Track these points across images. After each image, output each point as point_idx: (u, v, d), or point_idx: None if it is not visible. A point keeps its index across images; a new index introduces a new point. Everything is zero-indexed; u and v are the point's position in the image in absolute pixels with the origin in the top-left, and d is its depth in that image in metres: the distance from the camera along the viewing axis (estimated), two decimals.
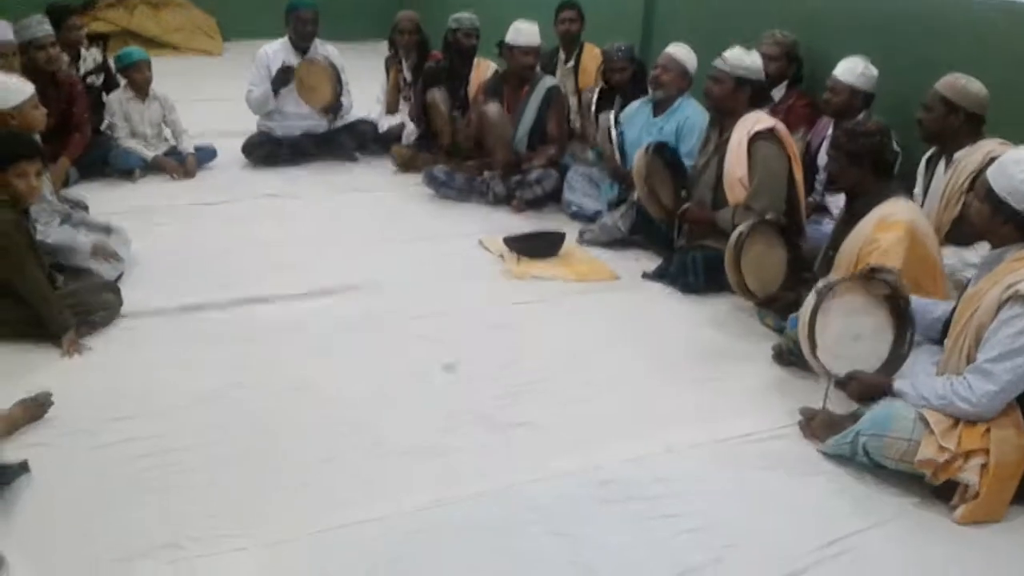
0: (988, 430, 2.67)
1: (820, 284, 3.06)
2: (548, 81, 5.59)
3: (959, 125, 3.86)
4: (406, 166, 6.02)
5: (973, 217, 2.89)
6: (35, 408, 3.03)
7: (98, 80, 5.90)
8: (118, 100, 5.74)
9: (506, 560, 2.50)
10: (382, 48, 6.75)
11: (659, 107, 4.98)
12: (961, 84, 3.86)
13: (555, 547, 2.55)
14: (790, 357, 3.55)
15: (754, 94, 4.26)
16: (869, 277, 3.06)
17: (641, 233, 4.79)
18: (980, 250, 3.53)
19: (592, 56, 6.00)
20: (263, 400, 3.25)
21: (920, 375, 2.93)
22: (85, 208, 4.60)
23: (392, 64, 6.55)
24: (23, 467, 2.74)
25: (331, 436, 3.04)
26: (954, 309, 3.00)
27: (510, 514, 2.68)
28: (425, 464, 2.92)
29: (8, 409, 2.98)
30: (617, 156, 4.88)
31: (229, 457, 2.91)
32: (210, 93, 7.58)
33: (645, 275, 4.49)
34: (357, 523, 2.61)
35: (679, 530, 2.64)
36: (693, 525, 2.66)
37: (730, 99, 4.23)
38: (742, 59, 4.24)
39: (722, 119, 4.31)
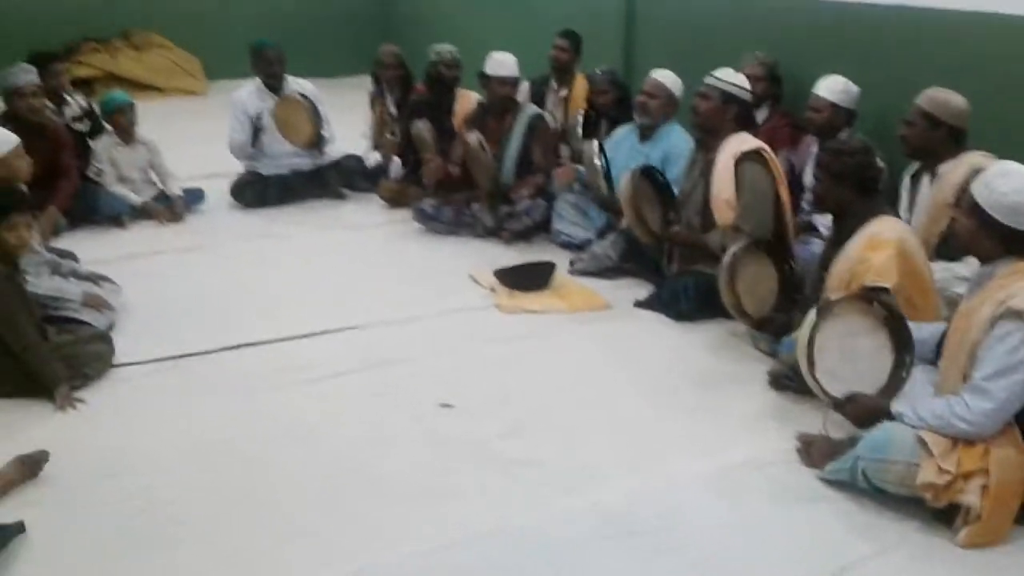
0: (987, 450, 2.66)
1: (820, 302, 3.07)
2: (531, 110, 5.62)
3: (942, 139, 3.88)
4: (395, 201, 6.03)
5: (960, 232, 2.91)
6: (31, 466, 3.00)
7: (84, 126, 5.90)
8: (104, 146, 5.74)
9: None
10: (365, 83, 6.78)
11: (645, 134, 5.02)
12: (942, 98, 3.88)
13: None
14: (785, 382, 3.55)
15: (740, 115, 4.28)
16: (868, 299, 3.07)
17: (632, 261, 4.80)
18: (970, 264, 3.54)
19: (583, 86, 6.02)
20: (259, 447, 3.23)
21: (918, 396, 2.93)
22: (74, 258, 4.58)
23: (376, 99, 6.58)
24: (19, 527, 2.71)
25: (329, 481, 3.03)
26: (947, 328, 3.00)
27: (514, 555, 2.66)
28: (426, 506, 2.90)
29: (3, 468, 2.95)
30: (603, 183, 4.89)
31: (226, 508, 2.89)
32: (196, 134, 7.57)
33: (637, 303, 4.49)
34: (358, 570, 2.59)
35: (683, 564, 2.62)
36: (696, 558, 2.64)
37: (716, 116, 4.25)
38: (731, 77, 4.28)
39: (707, 140, 4.33)
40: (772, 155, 4.25)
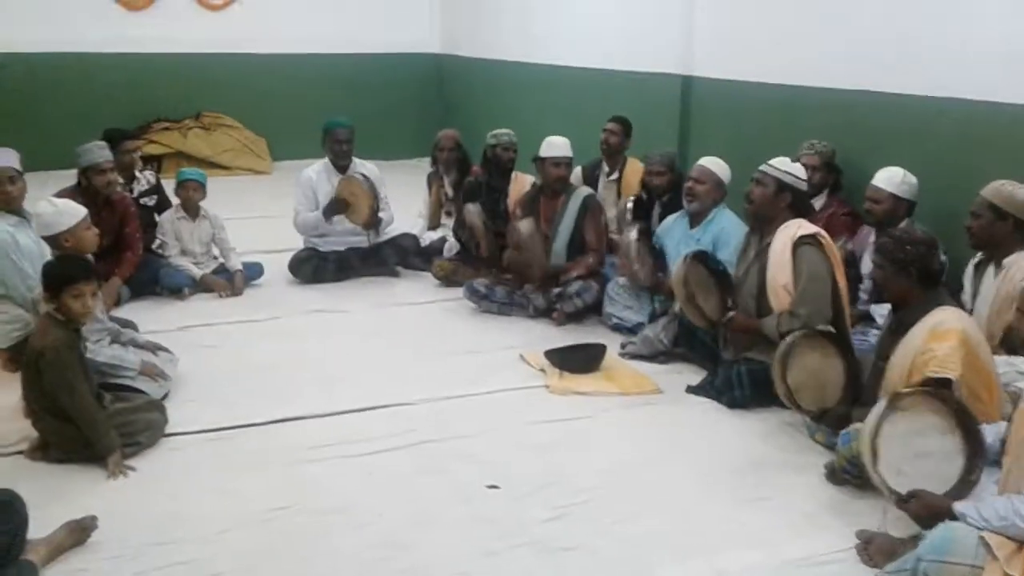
0: None
1: (889, 394, 2.99)
2: (583, 191, 5.67)
3: (1008, 232, 3.85)
4: (447, 279, 6.09)
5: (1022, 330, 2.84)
6: (80, 532, 3.03)
7: (151, 201, 6.11)
8: (170, 219, 5.93)
9: None
10: (425, 165, 6.94)
11: (695, 219, 5.03)
12: (1008, 191, 3.86)
13: None
14: (844, 476, 3.44)
15: (794, 203, 4.27)
16: (943, 397, 2.99)
17: (684, 345, 4.75)
18: None
19: (635, 170, 6.10)
20: (304, 522, 3.22)
21: (982, 495, 2.83)
22: (135, 327, 4.68)
23: (434, 180, 6.73)
24: None
25: (372, 561, 2.99)
26: (1009, 425, 2.90)
27: None
28: None
29: (52, 533, 2.98)
30: (639, 268, 4.84)
31: None
32: (258, 211, 7.81)
33: (689, 388, 4.43)
34: None
35: None
36: None
37: (770, 203, 4.25)
38: (786, 166, 4.29)
39: (761, 225, 4.33)
40: (830, 240, 4.21)
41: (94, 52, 9.72)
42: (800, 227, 4.16)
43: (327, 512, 3.29)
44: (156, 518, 3.21)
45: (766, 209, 4.27)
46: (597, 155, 6.33)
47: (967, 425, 2.97)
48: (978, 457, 2.93)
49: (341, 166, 6.24)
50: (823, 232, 4.22)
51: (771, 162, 4.32)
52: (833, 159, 5.12)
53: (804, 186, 4.33)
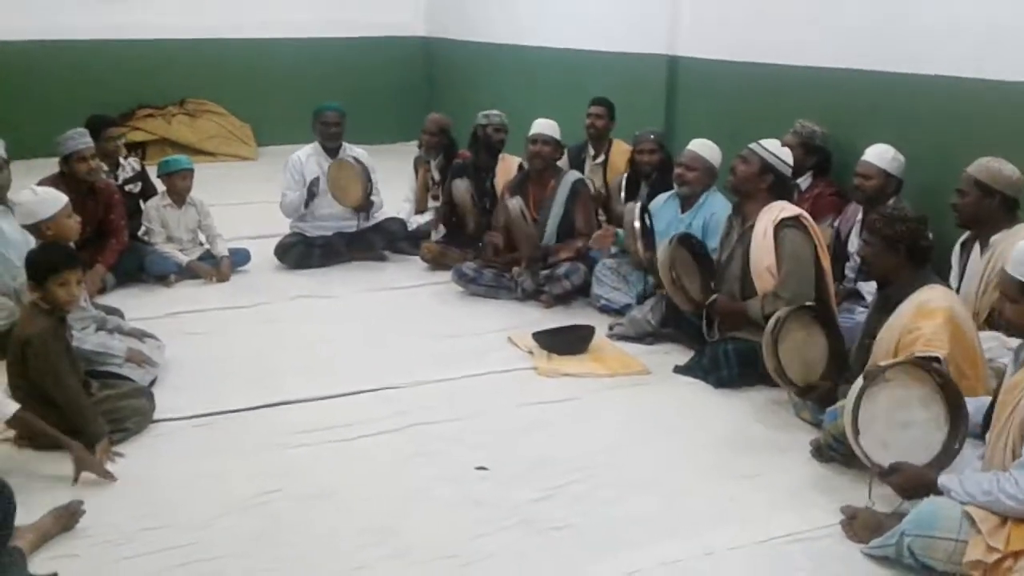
0: None
1: (869, 368, 3.01)
2: (573, 175, 5.67)
3: (995, 209, 3.86)
4: (435, 262, 6.09)
5: (1006, 313, 2.85)
6: (67, 518, 3.02)
7: (136, 188, 6.07)
8: (155, 207, 5.90)
9: None
10: (412, 149, 6.92)
11: (686, 203, 5.03)
12: (995, 167, 3.86)
13: None
14: (829, 452, 3.46)
15: (775, 185, 4.28)
16: (924, 367, 3.00)
17: (671, 326, 4.76)
18: None
19: (620, 152, 6.10)
20: (294, 507, 3.22)
21: (965, 470, 2.85)
22: (121, 315, 4.67)
23: (420, 164, 6.71)
24: None
25: (362, 544, 3.00)
26: (994, 401, 2.93)
27: None
28: (458, 571, 2.86)
29: (39, 519, 2.97)
30: (639, 246, 4.87)
31: (258, 568, 2.87)
32: (244, 197, 7.77)
33: (677, 369, 4.44)
34: None
35: None
36: None
37: (752, 181, 4.26)
38: (774, 148, 4.30)
39: (743, 206, 4.34)
40: (812, 222, 4.23)
41: (77, 39, 9.62)
42: (782, 209, 4.17)
43: (316, 496, 3.29)
44: (144, 504, 3.21)
45: (746, 186, 4.29)
46: (583, 137, 6.32)
47: (949, 394, 2.98)
48: (961, 426, 2.95)
49: (331, 149, 6.21)
50: (805, 214, 4.23)
51: (761, 142, 4.33)
52: (812, 140, 5.11)
53: (788, 171, 4.33)
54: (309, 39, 10.54)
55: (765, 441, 3.74)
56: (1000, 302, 2.89)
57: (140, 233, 5.93)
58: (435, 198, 6.60)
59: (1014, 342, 3.50)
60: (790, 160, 4.34)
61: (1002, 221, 3.86)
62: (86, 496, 3.14)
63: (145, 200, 6.02)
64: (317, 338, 4.88)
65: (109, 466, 3.40)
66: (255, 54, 10.36)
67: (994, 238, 3.85)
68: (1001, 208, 3.86)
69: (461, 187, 5.80)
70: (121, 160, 6.04)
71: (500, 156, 6.17)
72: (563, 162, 6.09)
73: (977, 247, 3.96)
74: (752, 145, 4.32)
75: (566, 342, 4.62)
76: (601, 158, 6.28)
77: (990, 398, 3.02)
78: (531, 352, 4.62)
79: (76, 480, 3.29)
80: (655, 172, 5.56)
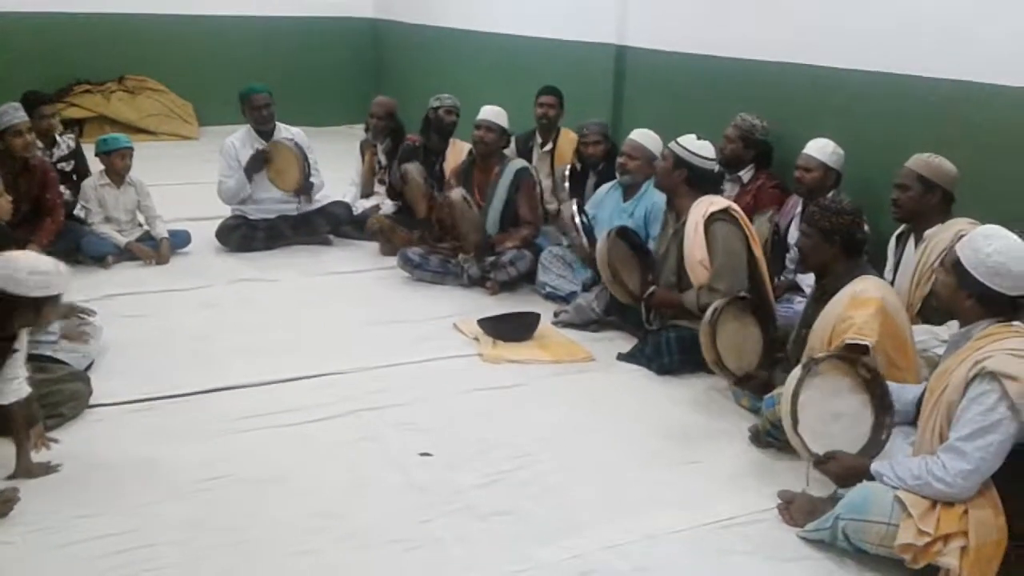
0: (966, 511, 2.66)
1: (805, 359, 3.08)
2: (517, 163, 5.67)
3: (935, 203, 3.94)
4: (384, 236, 6.03)
5: (939, 290, 2.95)
6: (1, 505, 2.95)
7: (68, 166, 5.90)
8: (92, 186, 5.75)
9: None
10: (358, 132, 6.85)
11: (628, 192, 5.08)
12: (936, 163, 3.95)
13: None
14: (767, 439, 3.55)
15: (691, 179, 4.33)
16: (853, 359, 3.08)
17: (615, 314, 4.81)
18: (952, 328, 3.58)
19: (568, 140, 6.12)
20: (236, 493, 3.19)
21: (897, 456, 2.94)
22: None
23: (367, 147, 6.66)
24: None
25: (307, 529, 2.99)
26: (925, 389, 3.02)
27: None
28: (404, 556, 2.87)
29: None
30: (585, 240, 4.92)
31: (202, 553, 2.85)
32: (184, 177, 7.62)
33: (620, 356, 4.50)
34: None
35: None
36: None
37: (668, 177, 4.35)
38: (688, 143, 4.35)
39: (674, 201, 4.41)
40: (742, 214, 4.32)
41: (9, 11, 9.31)
42: (711, 203, 4.25)
43: (261, 481, 3.27)
44: (82, 490, 3.15)
45: (665, 182, 4.39)
46: (531, 125, 6.33)
47: (874, 382, 3.07)
48: (886, 413, 3.04)
49: (263, 132, 6.12)
50: (735, 206, 4.31)
51: (678, 139, 4.39)
52: (752, 133, 5.18)
53: (705, 164, 4.36)
54: (254, 16, 10.38)
55: (705, 427, 3.81)
56: (939, 275, 2.98)
57: (76, 212, 5.78)
58: (381, 182, 6.56)
59: (945, 334, 3.63)
60: (708, 154, 4.38)
61: (938, 216, 3.95)
62: (21, 483, 3.07)
63: (79, 179, 5.86)
64: (259, 323, 4.83)
65: (44, 453, 3.32)
66: (198, 31, 10.15)
67: (928, 232, 3.95)
68: (940, 203, 3.95)
69: (413, 170, 5.77)
70: (57, 137, 5.89)
71: (451, 140, 6.14)
72: (511, 150, 6.10)
73: (912, 240, 4.06)
74: (669, 144, 4.40)
75: (511, 329, 4.64)
76: (549, 146, 6.30)
77: (923, 385, 3.11)
78: (476, 338, 4.63)
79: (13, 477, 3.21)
80: (602, 163, 5.60)
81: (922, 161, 3.97)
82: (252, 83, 6.27)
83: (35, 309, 3.04)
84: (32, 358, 3.75)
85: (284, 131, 6.18)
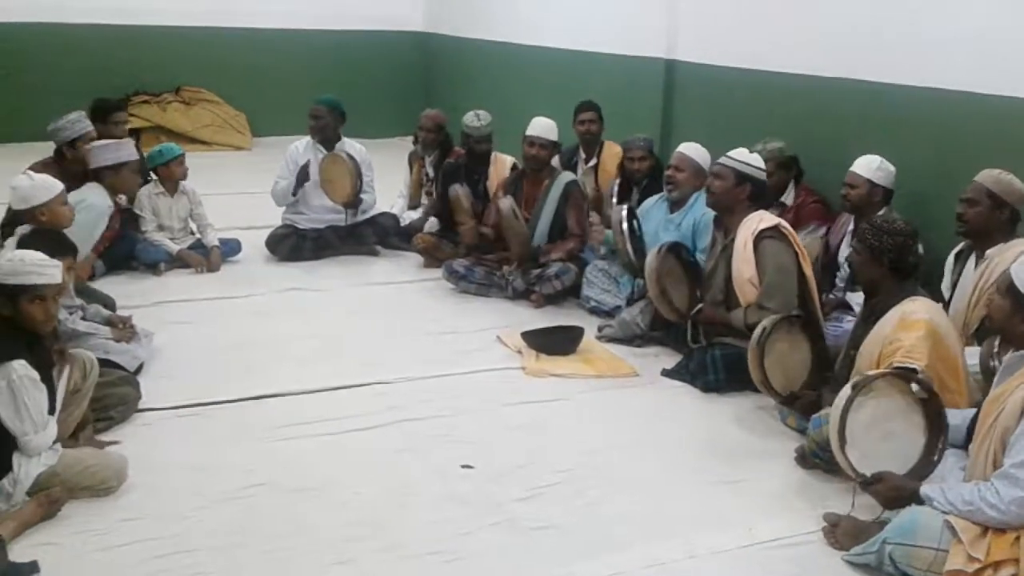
0: (1018, 538, 2.59)
1: (856, 378, 3.02)
2: (566, 176, 5.67)
3: (1003, 221, 3.83)
4: (428, 254, 6.06)
5: (993, 313, 2.87)
6: (48, 506, 3.01)
7: None
8: (147, 194, 5.87)
9: None
10: (407, 143, 6.91)
11: (675, 205, 5.04)
12: (1007, 179, 3.84)
13: None
14: (813, 459, 3.48)
15: (754, 193, 4.28)
16: (907, 378, 3.02)
17: (660, 329, 4.77)
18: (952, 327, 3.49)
19: (612, 154, 6.10)
20: (279, 500, 3.22)
21: (948, 480, 2.87)
22: (112, 304, 4.65)
23: (415, 159, 6.70)
24: (32, 567, 2.73)
25: (348, 538, 3.00)
26: (977, 413, 2.94)
27: None
28: (443, 568, 2.87)
29: (21, 507, 2.97)
30: (630, 249, 4.88)
31: (242, 561, 2.87)
32: (237, 187, 7.75)
33: (665, 372, 4.45)
34: None
35: None
36: None
37: (730, 195, 4.27)
38: (744, 156, 4.30)
39: (725, 219, 4.34)
40: (792, 231, 4.25)
41: (74, 23, 9.55)
42: (761, 220, 4.19)
43: (303, 490, 3.29)
44: (127, 493, 3.20)
45: (726, 201, 4.29)
46: (573, 140, 6.32)
47: (929, 403, 3.00)
48: (940, 437, 2.96)
49: (325, 142, 6.19)
50: (784, 223, 4.25)
51: (729, 153, 4.34)
52: (783, 156, 5.12)
53: (763, 176, 4.33)
54: (307, 30, 10.53)
55: (750, 446, 3.75)
56: (992, 295, 2.90)
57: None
58: (428, 194, 6.59)
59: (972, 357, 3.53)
60: (762, 164, 4.35)
61: (1003, 234, 3.83)
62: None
63: (142, 185, 5.98)
64: (306, 331, 4.87)
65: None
66: (252, 44, 10.33)
67: (990, 251, 3.83)
68: (1008, 221, 3.84)
69: (461, 193, 5.78)
70: None
71: (492, 157, 6.15)
72: (555, 163, 6.09)
73: (973, 258, 3.95)
74: (721, 159, 4.33)
75: (555, 342, 4.62)
76: (593, 161, 6.28)
77: (975, 410, 3.03)
78: (520, 351, 4.62)
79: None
80: (646, 179, 5.57)
81: (992, 177, 3.85)
82: (323, 93, 6.42)
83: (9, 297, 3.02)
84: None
85: (347, 145, 6.25)
